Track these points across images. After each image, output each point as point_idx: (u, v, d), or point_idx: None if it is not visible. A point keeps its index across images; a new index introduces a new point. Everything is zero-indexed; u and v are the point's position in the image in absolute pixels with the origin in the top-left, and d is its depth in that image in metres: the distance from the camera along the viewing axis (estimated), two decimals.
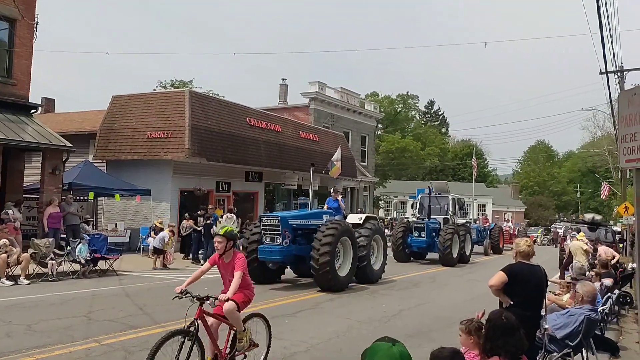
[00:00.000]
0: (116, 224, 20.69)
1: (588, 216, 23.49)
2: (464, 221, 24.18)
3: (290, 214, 13.84)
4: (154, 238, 16.94)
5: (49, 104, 30.37)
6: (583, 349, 6.26)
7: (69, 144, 17.71)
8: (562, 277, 13.38)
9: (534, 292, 5.05)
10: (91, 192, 18.70)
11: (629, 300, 11.25)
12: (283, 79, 36.82)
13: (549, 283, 5.73)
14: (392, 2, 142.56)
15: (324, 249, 12.22)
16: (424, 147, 60.26)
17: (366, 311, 10.36)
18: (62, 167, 17.64)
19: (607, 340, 7.77)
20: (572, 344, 6.01)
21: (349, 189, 35.04)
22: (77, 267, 13.55)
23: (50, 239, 13.97)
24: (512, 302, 4.93)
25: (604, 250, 13.63)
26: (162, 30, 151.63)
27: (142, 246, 19.34)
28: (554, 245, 39.56)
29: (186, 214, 19.56)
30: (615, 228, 25.88)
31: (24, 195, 18.30)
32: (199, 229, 18.25)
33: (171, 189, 21.08)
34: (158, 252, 16.21)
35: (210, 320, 5.43)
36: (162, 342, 4.82)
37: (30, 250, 12.96)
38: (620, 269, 13.22)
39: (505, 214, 58.57)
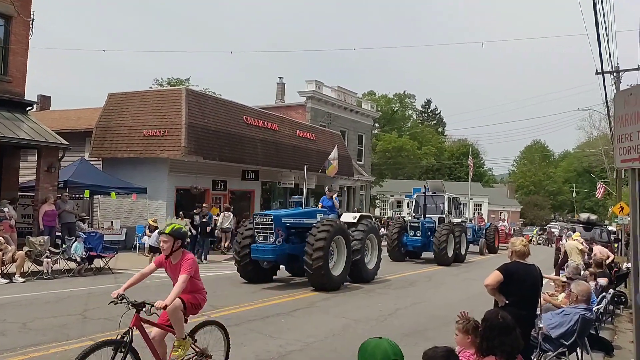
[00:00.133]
0: (112, 222, 20.66)
1: (583, 216, 23.59)
2: (459, 220, 24.23)
3: (284, 213, 13.76)
4: (149, 237, 16.92)
5: (44, 102, 30.22)
6: (578, 348, 6.29)
7: (64, 142, 17.65)
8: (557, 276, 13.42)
9: (529, 291, 5.06)
10: (87, 190, 18.65)
11: (623, 300, 11.31)
12: (280, 78, 36.74)
13: (544, 279, 5.75)
14: (392, 2, 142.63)
15: (317, 249, 12.16)
16: (421, 147, 60.31)
17: (362, 310, 10.38)
18: (58, 164, 17.58)
19: (601, 339, 7.80)
20: (567, 343, 6.04)
21: (345, 188, 35.05)
22: (72, 265, 13.52)
23: (46, 237, 13.95)
24: (507, 302, 4.94)
25: (599, 250, 13.69)
26: (162, 30, 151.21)
27: (137, 244, 19.32)
28: (549, 245, 39.70)
29: (180, 213, 19.53)
30: (610, 228, 25.98)
31: (20, 193, 18.21)
32: (193, 231, 18.25)
33: (167, 187, 21.05)
34: (154, 250, 16.18)
35: (153, 330, 4.92)
36: (84, 355, 4.20)
37: (26, 248, 12.91)
38: (615, 269, 13.30)
39: (501, 213, 58.69)
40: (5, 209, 15.00)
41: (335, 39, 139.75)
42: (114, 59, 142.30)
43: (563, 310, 6.44)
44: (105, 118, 22.20)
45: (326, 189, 16.30)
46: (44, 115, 24.58)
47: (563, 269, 13.15)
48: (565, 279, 9.13)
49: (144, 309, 4.67)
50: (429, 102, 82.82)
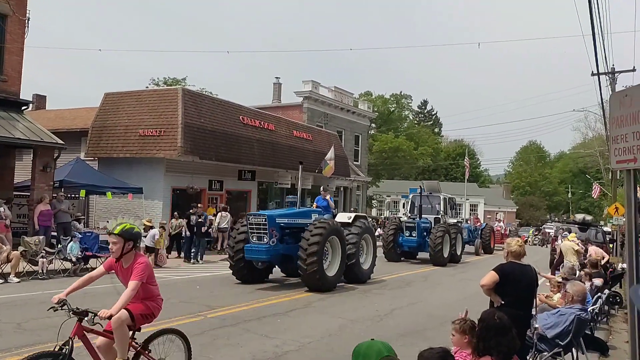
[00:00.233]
0: (108, 221, 20.58)
1: (579, 216, 23.68)
2: (455, 221, 24.26)
3: (278, 213, 13.71)
4: (145, 236, 16.85)
5: (40, 101, 30.11)
6: (573, 348, 6.31)
7: (60, 141, 17.60)
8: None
9: (525, 291, 5.09)
10: (82, 189, 18.58)
11: (618, 300, 11.37)
12: (277, 78, 36.61)
13: (540, 279, 5.77)
14: (392, 2, 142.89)
15: (311, 249, 12.10)
16: (417, 147, 60.36)
17: (358, 310, 10.38)
18: (54, 164, 17.53)
19: (597, 339, 7.83)
20: (562, 344, 6.06)
21: (342, 188, 35.06)
22: (68, 265, 13.48)
23: (41, 237, 13.88)
24: (503, 302, 4.96)
25: (594, 251, 13.74)
26: (162, 30, 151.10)
27: None
28: (544, 246, 39.82)
29: (175, 213, 19.48)
30: (605, 228, 26.04)
31: (15, 193, 18.15)
32: (188, 232, 18.26)
33: (163, 187, 21.00)
34: (150, 250, 16.14)
35: (98, 339, 4.47)
36: None
37: (21, 248, 12.86)
38: (610, 269, 13.34)
39: (497, 214, 58.90)
40: (1, 209, 14.93)
41: (335, 39, 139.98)
42: (113, 59, 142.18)
43: (558, 311, 6.46)
44: (101, 118, 22.13)
45: (321, 189, 16.30)
46: (39, 115, 24.49)
47: (558, 270, 13.20)
48: (560, 279, 9.16)
49: (86, 318, 4.26)
50: (425, 103, 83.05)
